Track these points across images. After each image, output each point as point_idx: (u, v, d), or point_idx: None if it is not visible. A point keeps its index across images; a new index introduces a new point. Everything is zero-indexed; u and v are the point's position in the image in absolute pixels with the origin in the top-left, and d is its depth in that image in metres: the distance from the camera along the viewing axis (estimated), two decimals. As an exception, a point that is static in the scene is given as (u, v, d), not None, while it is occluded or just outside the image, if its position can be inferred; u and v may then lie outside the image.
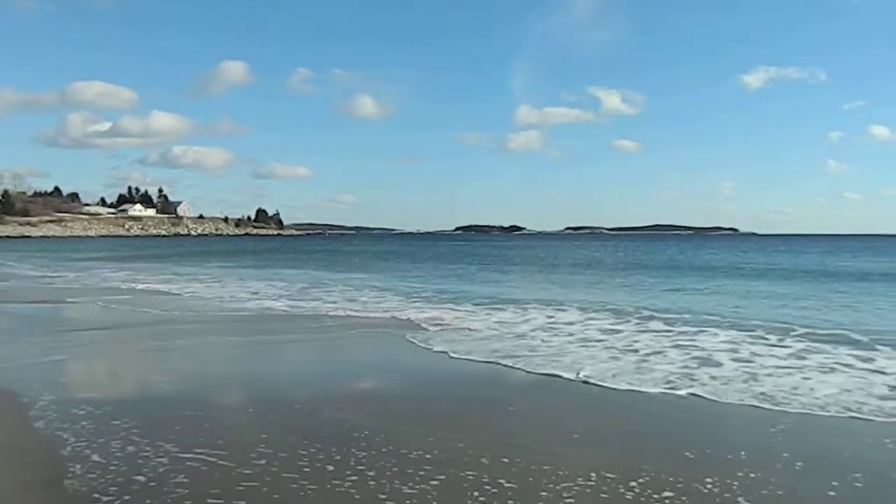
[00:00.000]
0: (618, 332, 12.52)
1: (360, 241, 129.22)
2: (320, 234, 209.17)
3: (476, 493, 4.78)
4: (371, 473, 5.14)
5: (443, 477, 5.09)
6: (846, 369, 8.99)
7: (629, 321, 13.95)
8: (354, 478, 5.06)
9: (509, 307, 16.64)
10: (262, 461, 5.43)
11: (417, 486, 4.89)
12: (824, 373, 8.78)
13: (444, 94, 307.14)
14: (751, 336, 11.84)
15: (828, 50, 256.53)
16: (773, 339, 11.60)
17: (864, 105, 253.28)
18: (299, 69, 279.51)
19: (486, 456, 5.57)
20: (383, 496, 4.73)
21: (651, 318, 14.46)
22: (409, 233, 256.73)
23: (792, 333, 12.14)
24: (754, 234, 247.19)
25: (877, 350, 10.44)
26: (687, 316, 14.87)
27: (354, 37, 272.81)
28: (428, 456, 5.55)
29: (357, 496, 4.74)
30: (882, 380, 8.34)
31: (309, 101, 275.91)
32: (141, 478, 5.05)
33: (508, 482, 4.99)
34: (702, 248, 73.27)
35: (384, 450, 5.69)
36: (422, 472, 5.16)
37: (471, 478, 5.07)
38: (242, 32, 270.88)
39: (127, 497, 4.68)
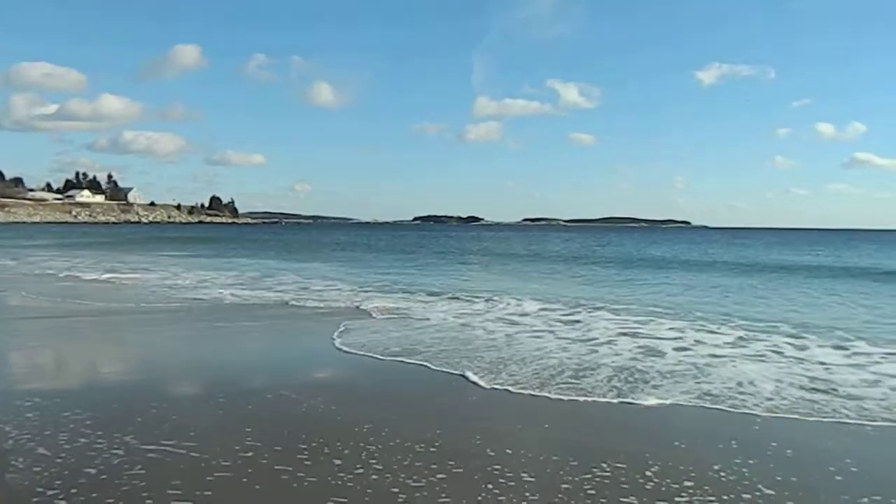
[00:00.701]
0: (570, 322, 12.82)
1: (317, 229, 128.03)
2: (276, 222, 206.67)
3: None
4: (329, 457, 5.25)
5: (314, 479, 5.27)
6: (780, 359, 9.48)
7: (580, 311, 14.30)
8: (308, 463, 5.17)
9: (464, 297, 16.84)
10: (231, 452, 5.39)
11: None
12: (761, 362, 9.22)
13: (403, 83, 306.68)
14: (693, 326, 12.31)
15: (778, 49, 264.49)
16: (713, 327, 12.13)
17: (810, 103, 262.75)
18: (256, 55, 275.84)
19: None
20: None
21: (601, 308, 14.85)
22: (367, 222, 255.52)
23: (730, 324, 12.68)
24: (706, 227, 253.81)
25: (804, 338, 11.07)
26: (634, 307, 15.34)
27: (313, 24, 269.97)
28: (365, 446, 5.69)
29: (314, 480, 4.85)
30: (807, 369, 8.84)
31: (265, 88, 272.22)
32: (91, 470, 4.95)
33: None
34: (653, 242, 74.87)
35: (337, 439, 5.81)
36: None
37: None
38: (196, 15, 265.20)
39: (74, 490, 4.59)
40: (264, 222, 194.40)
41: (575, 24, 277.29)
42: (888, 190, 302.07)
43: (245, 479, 4.89)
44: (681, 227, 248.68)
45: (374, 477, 4.97)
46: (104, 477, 4.85)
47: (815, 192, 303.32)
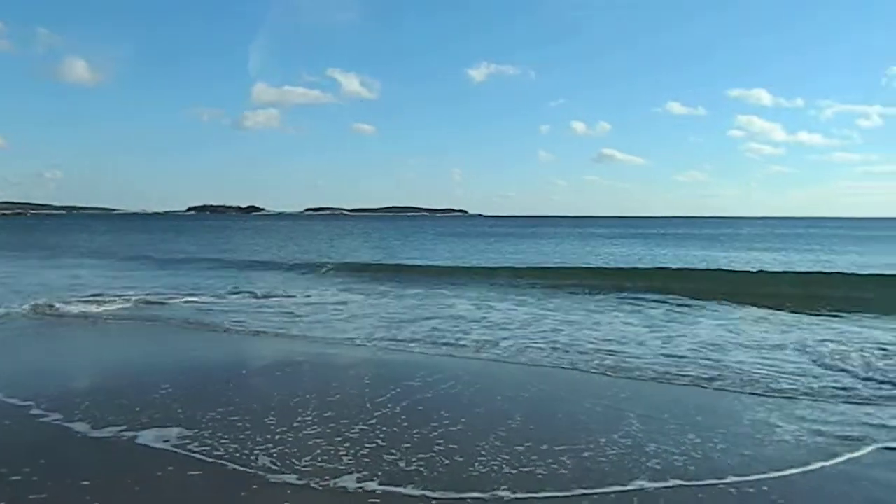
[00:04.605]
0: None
1: (69, 222, 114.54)
2: (21, 214, 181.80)
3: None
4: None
5: None
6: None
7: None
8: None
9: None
10: None
11: None
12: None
13: (171, 65, 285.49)
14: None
15: (537, 51, 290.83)
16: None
17: (565, 103, 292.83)
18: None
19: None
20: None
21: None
22: (134, 213, 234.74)
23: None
24: (482, 215, 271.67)
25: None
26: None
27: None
28: None
29: None
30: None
31: (3, 60, 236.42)
32: None
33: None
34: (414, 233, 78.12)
35: None
36: None
37: None
38: None
39: None
40: (4, 214, 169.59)
41: (355, 13, 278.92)
42: (628, 181, 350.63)
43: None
44: (459, 216, 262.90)
45: None
46: None
47: (572, 183, 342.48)
